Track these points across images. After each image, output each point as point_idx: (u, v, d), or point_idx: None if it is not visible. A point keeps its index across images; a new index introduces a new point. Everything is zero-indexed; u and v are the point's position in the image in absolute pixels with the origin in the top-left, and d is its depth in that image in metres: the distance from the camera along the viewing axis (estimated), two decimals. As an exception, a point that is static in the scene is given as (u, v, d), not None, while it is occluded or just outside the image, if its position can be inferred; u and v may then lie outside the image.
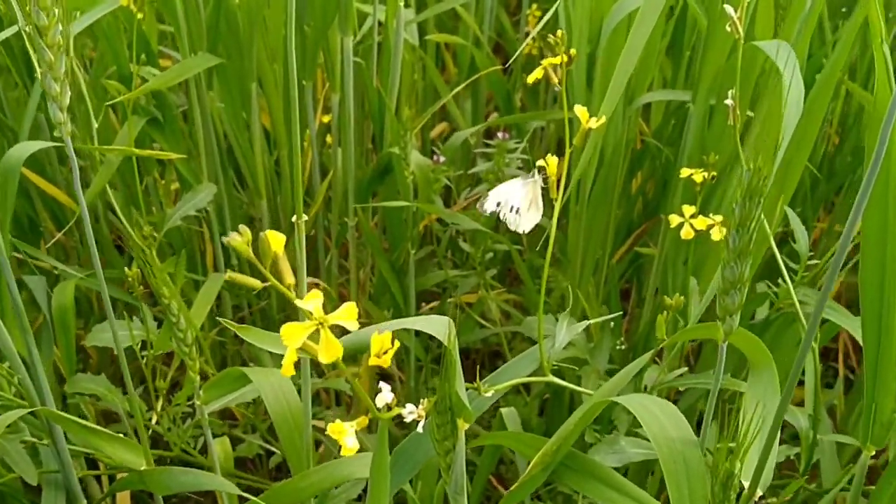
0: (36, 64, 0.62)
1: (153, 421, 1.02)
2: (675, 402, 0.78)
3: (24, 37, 0.62)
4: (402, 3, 1.18)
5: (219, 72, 1.19)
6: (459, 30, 1.58)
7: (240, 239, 0.38)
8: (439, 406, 0.58)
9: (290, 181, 1.17)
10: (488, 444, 0.88)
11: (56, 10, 0.61)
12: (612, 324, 1.08)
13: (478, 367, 1.53)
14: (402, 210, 1.21)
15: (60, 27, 0.60)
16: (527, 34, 1.67)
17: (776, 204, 0.85)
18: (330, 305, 1.20)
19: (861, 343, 0.67)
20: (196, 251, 1.36)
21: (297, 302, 0.39)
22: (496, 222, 1.32)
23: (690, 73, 1.25)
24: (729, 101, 0.76)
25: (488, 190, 1.27)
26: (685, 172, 0.83)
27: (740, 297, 0.48)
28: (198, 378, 0.84)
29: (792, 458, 0.84)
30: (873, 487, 0.67)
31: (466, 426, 0.60)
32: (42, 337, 1.12)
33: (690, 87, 1.22)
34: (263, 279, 0.40)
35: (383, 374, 1.34)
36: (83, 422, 0.77)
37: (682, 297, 0.70)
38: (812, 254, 0.85)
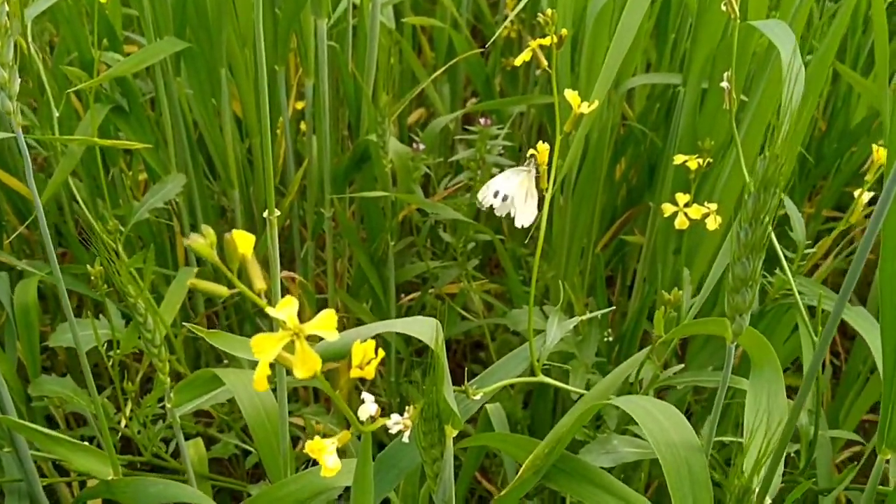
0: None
1: (122, 424, 0.98)
2: (660, 398, 0.75)
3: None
4: (377, -16, 1.13)
5: (186, 57, 1.14)
6: (436, 12, 1.54)
7: (203, 241, 0.34)
8: (426, 413, 0.54)
9: (263, 171, 1.12)
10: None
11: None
12: (599, 315, 1.05)
13: (460, 358, 1.50)
14: (380, 200, 1.17)
15: (7, 7, 0.55)
16: (505, 17, 1.62)
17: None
18: (306, 298, 1.16)
19: (849, 330, 0.64)
20: (166, 244, 1.31)
21: (270, 311, 0.35)
22: (476, 212, 1.29)
23: (675, 55, 1.22)
24: (724, 84, 0.73)
25: (470, 179, 1.24)
26: (679, 159, 0.79)
27: (752, 294, 0.44)
28: (168, 380, 0.79)
29: (792, 454, 0.81)
30: (882, 488, 0.64)
31: (455, 433, 0.57)
32: (5, 336, 1.07)
33: (677, 70, 1.19)
34: (231, 285, 0.36)
35: (363, 369, 1.30)
36: (46, 430, 0.73)
37: (681, 292, 0.66)
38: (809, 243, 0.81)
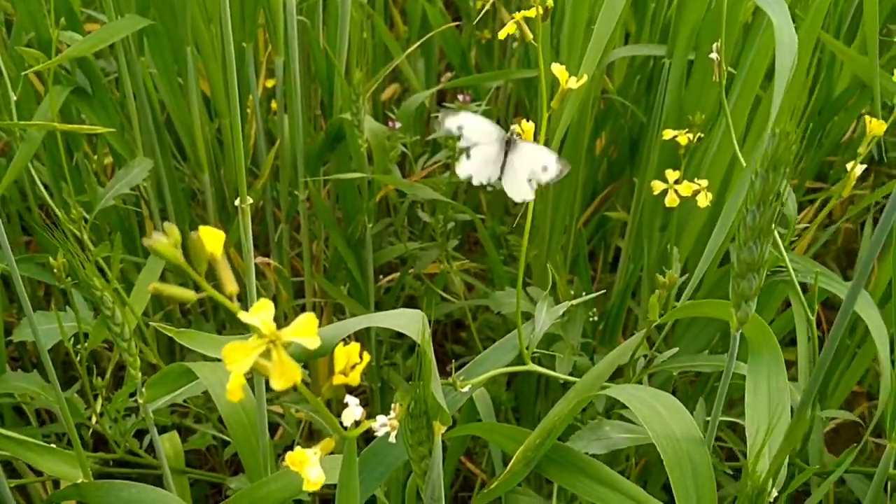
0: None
1: (93, 420, 0.94)
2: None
3: None
4: (348, -44, 1.09)
5: (150, 35, 1.09)
6: (409, -16, 1.49)
7: (165, 240, 0.30)
8: (413, 410, 0.51)
9: (234, 152, 1.08)
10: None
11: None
12: (583, 293, 1.02)
13: (441, 338, 1.47)
14: (355, 180, 1.13)
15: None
16: (480, -11, 1.58)
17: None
18: (282, 283, 1.11)
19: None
20: (135, 230, 1.27)
21: (243, 316, 0.31)
22: (455, 190, 1.25)
23: (655, 26, 1.19)
24: (714, 55, 0.70)
25: (448, 157, 1.20)
26: (668, 134, 0.76)
27: (759, 280, 0.42)
28: (139, 375, 0.76)
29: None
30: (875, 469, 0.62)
31: (443, 429, 0.54)
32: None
33: (657, 41, 1.16)
34: (199, 288, 0.33)
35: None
36: (9, 433, 0.69)
37: (676, 276, 0.63)
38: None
